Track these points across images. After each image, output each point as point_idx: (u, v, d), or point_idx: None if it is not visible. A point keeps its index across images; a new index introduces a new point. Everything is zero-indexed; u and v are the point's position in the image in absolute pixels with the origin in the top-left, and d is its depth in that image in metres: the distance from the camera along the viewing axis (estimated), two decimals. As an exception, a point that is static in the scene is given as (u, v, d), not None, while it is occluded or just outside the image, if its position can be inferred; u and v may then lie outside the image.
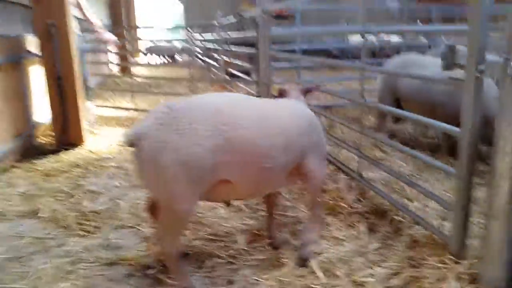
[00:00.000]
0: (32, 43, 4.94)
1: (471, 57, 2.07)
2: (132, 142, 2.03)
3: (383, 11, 12.03)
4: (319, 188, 2.62)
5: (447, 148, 4.23)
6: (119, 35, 11.16)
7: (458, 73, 2.28)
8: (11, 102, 4.31)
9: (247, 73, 7.69)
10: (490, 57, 2.37)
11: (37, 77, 5.00)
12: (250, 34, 6.14)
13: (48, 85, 4.64)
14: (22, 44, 4.81)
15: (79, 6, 5.07)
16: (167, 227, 2.17)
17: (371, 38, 10.02)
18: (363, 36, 3.62)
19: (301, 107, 2.62)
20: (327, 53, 12.01)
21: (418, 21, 9.53)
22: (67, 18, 4.52)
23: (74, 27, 4.72)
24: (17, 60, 4.63)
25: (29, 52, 4.87)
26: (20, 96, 4.64)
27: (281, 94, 2.85)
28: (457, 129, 2.23)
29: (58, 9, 4.46)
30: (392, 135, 5.06)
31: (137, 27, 15.17)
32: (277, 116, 2.33)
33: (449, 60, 2.25)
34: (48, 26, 4.44)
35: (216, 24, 8.25)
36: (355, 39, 13.06)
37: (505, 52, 1.81)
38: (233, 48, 7.15)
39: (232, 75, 8.07)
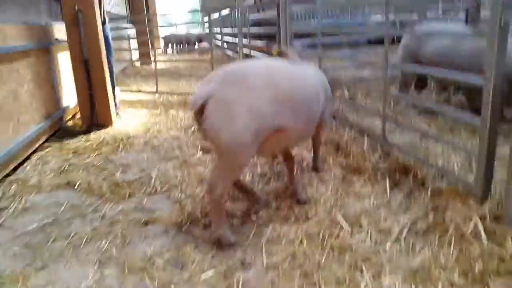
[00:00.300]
0: (60, 31, 5.10)
1: (496, 7, 2.10)
2: (202, 104, 2.18)
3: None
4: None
5: (471, 109, 4.22)
6: (139, 22, 11.37)
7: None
8: (41, 85, 4.49)
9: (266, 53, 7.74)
10: None
11: (66, 62, 5.17)
12: (270, 14, 6.19)
13: (75, 68, 4.81)
14: (51, 31, 4.99)
15: None
16: (225, 174, 2.31)
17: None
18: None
19: (313, 67, 3.05)
20: (346, 34, 11.92)
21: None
22: (93, 4, 4.67)
23: (99, 13, 4.85)
24: (47, 46, 4.79)
25: (57, 39, 5.04)
26: (50, 80, 4.81)
27: (280, 55, 3.08)
28: (480, 78, 2.25)
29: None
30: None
31: (156, 14, 15.25)
32: (306, 73, 2.68)
33: (474, 14, 2.28)
34: (75, 11, 4.60)
35: (235, 7, 8.31)
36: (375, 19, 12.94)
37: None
38: (252, 30, 7.21)
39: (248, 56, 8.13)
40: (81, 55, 4.75)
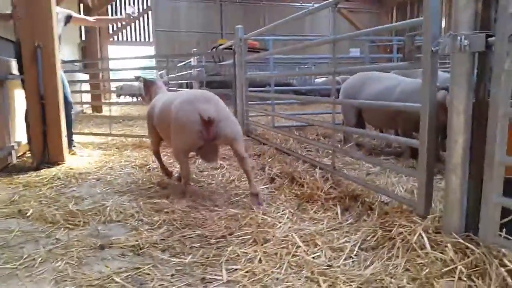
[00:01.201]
0: (15, 67, 5.08)
1: (427, 37, 2.35)
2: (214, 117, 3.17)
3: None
4: None
5: (409, 152, 4.55)
6: (92, 74, 11.35)
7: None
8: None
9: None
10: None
11: (20, 99, 5.11)
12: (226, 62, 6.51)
13: (30, 103, 4.75)
14: (7, 65, 4.96)
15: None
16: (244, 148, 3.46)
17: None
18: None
19: None
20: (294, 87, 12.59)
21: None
22: (53, 40, 4.73)
23: (58, 49, 4.91)
24: (2, 79, 4.75)
25: (12, 74, 5.00)
26: (3, 113, 4.72)
27: (149, 85, 4.28)
28: (415, 141, 2.56)
29: (44, 30, 4.67)
30: (359, 145, 5.40)
31: (110, 69, 15.09)
32: None
33: (409, 48, 2.58)
34: (34, 47, 4.62)
35: (191, 59, 8.62)
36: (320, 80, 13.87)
37: (452, 30, 2.15)
38: (208, 78, 7.50)
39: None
40: (38, 90, 4.71)
